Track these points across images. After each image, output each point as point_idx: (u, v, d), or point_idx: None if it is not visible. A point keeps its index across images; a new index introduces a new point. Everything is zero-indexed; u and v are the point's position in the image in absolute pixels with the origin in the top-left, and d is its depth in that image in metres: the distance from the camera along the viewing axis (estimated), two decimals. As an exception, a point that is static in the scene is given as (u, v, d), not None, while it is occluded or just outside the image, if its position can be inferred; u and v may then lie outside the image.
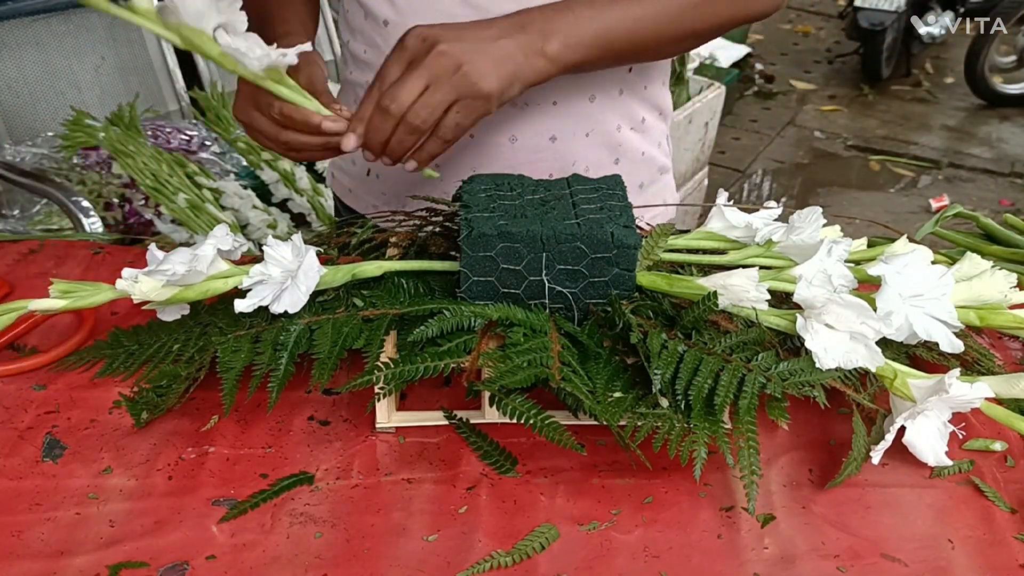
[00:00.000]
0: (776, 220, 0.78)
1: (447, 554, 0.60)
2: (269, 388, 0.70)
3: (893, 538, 0.63)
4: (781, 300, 0.74)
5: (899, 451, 0.69)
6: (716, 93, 2.90)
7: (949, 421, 0.67)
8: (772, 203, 0.83)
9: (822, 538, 0.63)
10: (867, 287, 0.73)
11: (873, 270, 0.71)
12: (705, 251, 0.81)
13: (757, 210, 0.80)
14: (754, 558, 0.61)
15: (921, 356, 0.77)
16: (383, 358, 0.69)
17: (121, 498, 0.65)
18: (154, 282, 0.70)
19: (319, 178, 2.42)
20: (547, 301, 0.72)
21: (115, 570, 0.58)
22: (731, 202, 0.80)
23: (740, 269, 0.70)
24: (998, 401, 0.75)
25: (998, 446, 0.71)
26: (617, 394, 0.67)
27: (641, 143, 0.99)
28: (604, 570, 0.60)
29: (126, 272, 0.71)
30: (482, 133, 0.92)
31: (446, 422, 0.72)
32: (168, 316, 0.76)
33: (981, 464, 0.70)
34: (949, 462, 0.68)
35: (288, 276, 0.70)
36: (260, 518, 0.63)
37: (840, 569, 0.60)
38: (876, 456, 0.66)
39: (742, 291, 0.69)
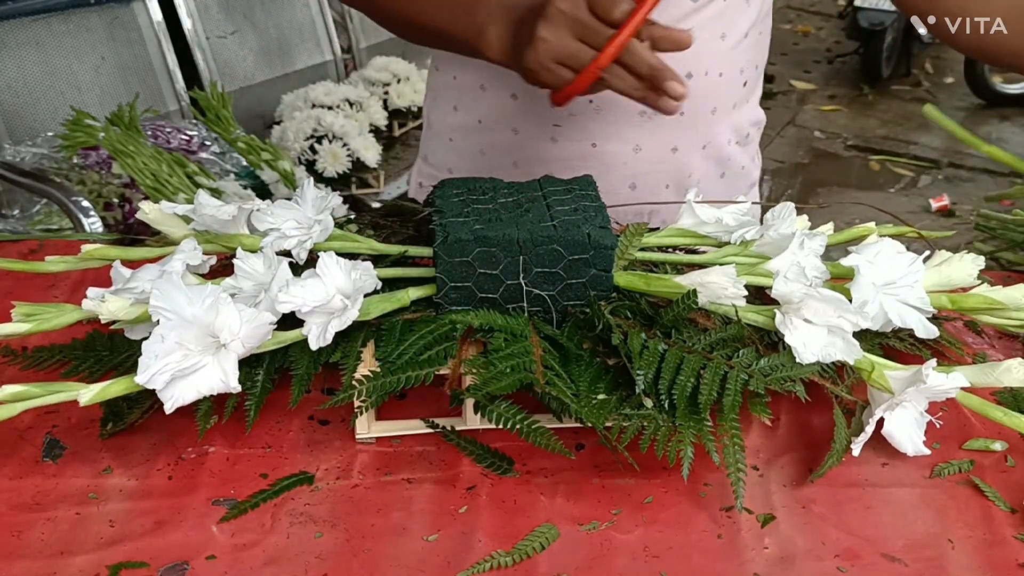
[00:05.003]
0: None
1: (447, 554, 0.60)
2: (247, 407, 0.70)
3: (893, 538, 0.63)
4: (755, 295, 0.75)
5: (899, 451, 0.69)
6: (716, 93, 2.89)
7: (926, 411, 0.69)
8: (742, 197, 0.83)
9: (822, 538, 0.63)
10: (838, 281, 0.74)
11: (846, 261, 0.72)
12: (679, 249, 0.82)
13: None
14: (754, 558, 0.61)
15: (894, 347, 0.78)
16: (363, 370, 0.68)
17: (121, 498, 0.65)
18: (122, 301, 0.68)
19: (319, 178, 2.42)
20: (525, 304, 0.72)
21: (115, 570, 0.58)
22: (699, 197, 0.80)
23: (717, 267, 0.70)
24: (998, 401, 0.75)
25: (998, 446, 0.71)
26: (601, 396, 0.67)
27: (741, 157, 1.00)
28: (604, 570, 0.60)
29: (92, 291, 0.69)
30: (605, 142, 0.91)
31: (429, 431, 0.71)
32: (136, 335, 0.73)
33: (981, 464, 0.70)
34: (927, 451, 0.68)
35: (261, 289, 0.68)
36: (260, 518, 0.63)
37: (840, 569, 0.60)
38: (856, 448, 0.67)
39: (720, 288, 0.70)
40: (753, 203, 0.93)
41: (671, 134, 0.91)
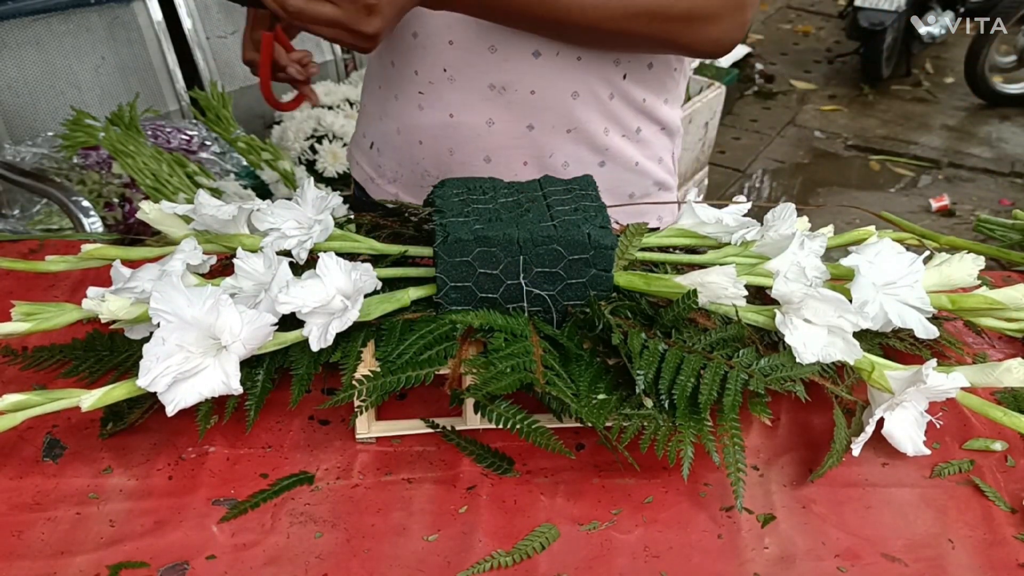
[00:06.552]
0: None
1: (447, 554, 0.60)
2: (247, 407, 0.70)
3: (893, 538, 0.63)
4: (756, 295, 0.75)
5: (899, 451, 0.69)
6: (716, 93, 2.90)
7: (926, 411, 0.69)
8: (741, 197, 0.83)
9: (822, 538, 0.63)
10: (838, 282, 0.74)
11: (847, 261, 0.72)
12: (679, 249, 0.82)
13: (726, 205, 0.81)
14: (754, 558, 0.61)
15: (894, 347, 0.78)
16: (363, 370, 0.68)
17: (121, 498, 0.65)
18: (122, 300, 0.68)
19: (319, 178, 2.42)
20: (525, 304, 0.72)
21: (115, 570, 0.58)
22: (700, 197, 0.80)
23: (717, 267, 0.70)
24: (998, 401, 0.75)
25: (998, 446, 0.71)
26: (601, 396, 0.67)
27: (635, 153, 0.98)
28: (604, 570, 0.60)
29: (92, 291, 0.69)
30: (461, 113, 0.92)
31: (429, 431, 0.72)
32: (136, 334, 0.73)
33: (981, 464, 0.70)
34: (927, 451, 0.69)
35: (261, 289, 0.69)
36: (260, 518, 0.63)
37: (840, 569, 0.60)
38: (856, 448, 0.67)
39: (720, 288, 0.70)
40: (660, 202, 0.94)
41: (524, 112, 0.92)
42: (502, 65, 0.89)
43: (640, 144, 0.98)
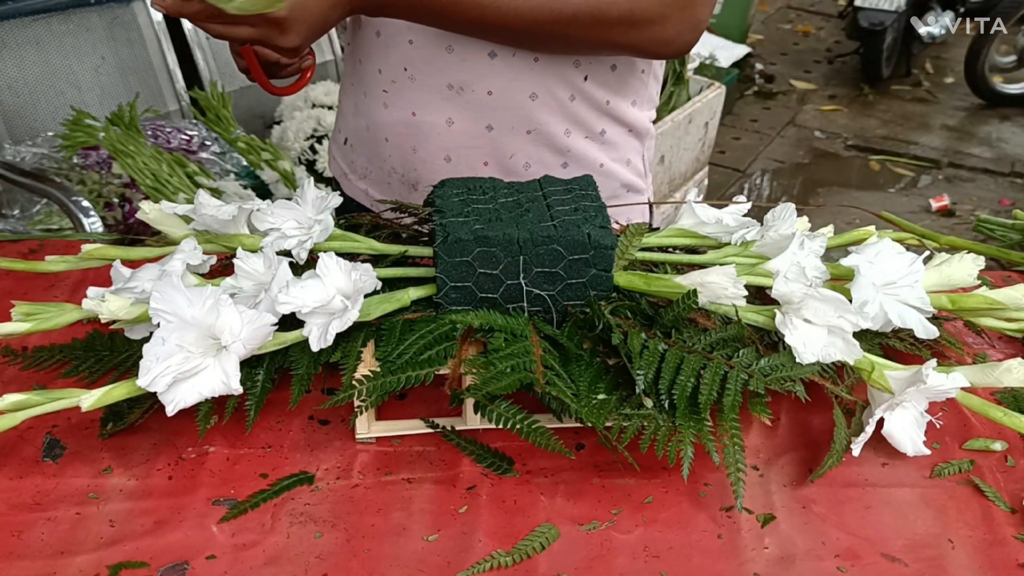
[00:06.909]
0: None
1: (447, 554, 0.60)
2: (247, 407, 0.70)
3: (893, 538, 0.63)
4: (756, 295, 0.75)
5: (899, 451, 0.69)
6: (716, 93, 2.89)
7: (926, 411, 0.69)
8: (741, 197, 0.83)
9: (822, 538, 0.63)
10: (838, 282, 0.74)
11: (847, 261, 0.72)
12: (679, 249, 0.82)
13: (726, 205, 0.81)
14: (754, 558, 0.61)
15: (894, 347, 0.78)
16: (363, 370, 0.68)
17: (121, 498, 0.65)
18: (122, 300, 0.68)
19: (319, 178, 2.42)
20: (525, 304, 0.72)
21: (115, 570, 0.58)
22: (700, 197, 0.80)
23: (717, 267, 0.70)
24: (998, 401, 0.75)
25: (998, 446, 0.71)
26: (601, 396, 0.67)
27: (599, 155, 0.97)
28: (604, 570, 0.60)
29: (92, 291, 0.69)
30: (423, 112, 0.93)
31: (429, 431, 0.72)
32: (136, 334, 0.73)
33: (981, 464, 0.70)
34: (927, 451, 0.69)
35: (261, 289, 0.69)
36: (260, 518, 0.63)
37: (840, 569, 0.60)
38: (856, 448, 0.67)
39: (720, 288, 0.70)
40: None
41: (483, 112, 0.92)
42: (460, 65, 0.89)
43: (605, 146, 0.98)
